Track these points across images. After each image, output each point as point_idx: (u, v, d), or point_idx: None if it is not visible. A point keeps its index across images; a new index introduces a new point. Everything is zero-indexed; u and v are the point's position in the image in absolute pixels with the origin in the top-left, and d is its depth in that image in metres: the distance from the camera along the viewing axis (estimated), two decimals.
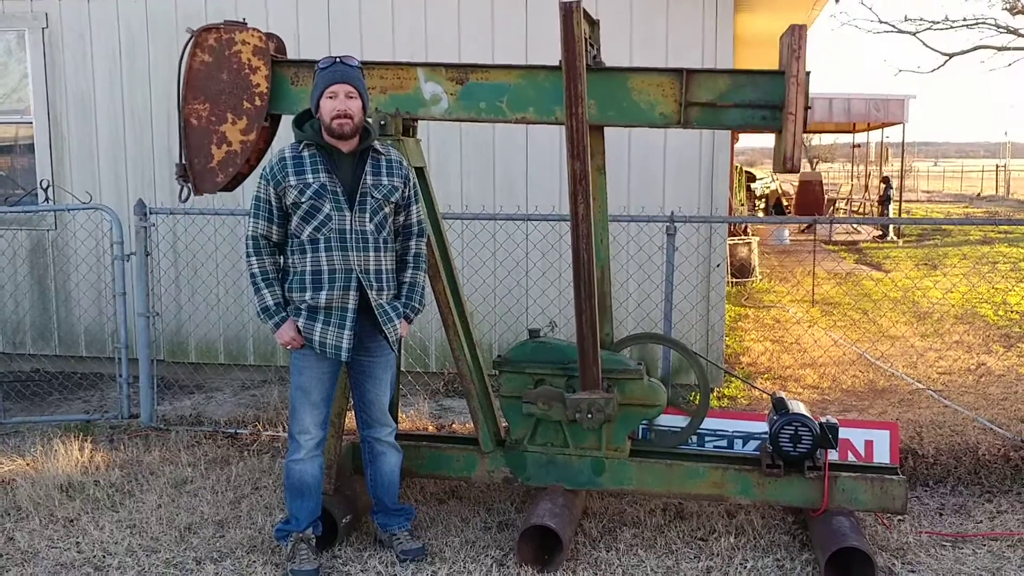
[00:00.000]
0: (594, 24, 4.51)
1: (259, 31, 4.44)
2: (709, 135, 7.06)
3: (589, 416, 4.35)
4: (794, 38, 3.98)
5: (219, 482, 5.27)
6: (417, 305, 4.20)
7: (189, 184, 4.54)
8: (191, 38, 4.42)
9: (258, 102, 4.42)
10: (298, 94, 4.47)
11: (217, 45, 4.41)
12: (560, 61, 4.04)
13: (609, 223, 6.82)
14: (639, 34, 7.03)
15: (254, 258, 3.99)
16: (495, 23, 7.25)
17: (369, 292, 3.99)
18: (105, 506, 4.96)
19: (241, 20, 4.50)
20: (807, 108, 4.07)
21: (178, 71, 4.46)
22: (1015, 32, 24.55)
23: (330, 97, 3.91)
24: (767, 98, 4.16)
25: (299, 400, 4.09)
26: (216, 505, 4.95)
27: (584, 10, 4.17)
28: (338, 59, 4.00)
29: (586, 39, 4.23)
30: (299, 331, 3.98)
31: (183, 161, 4.50)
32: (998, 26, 24.73)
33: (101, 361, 8.01)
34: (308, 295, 3.95)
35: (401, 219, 4.15)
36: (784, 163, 4.09)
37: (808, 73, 4.04)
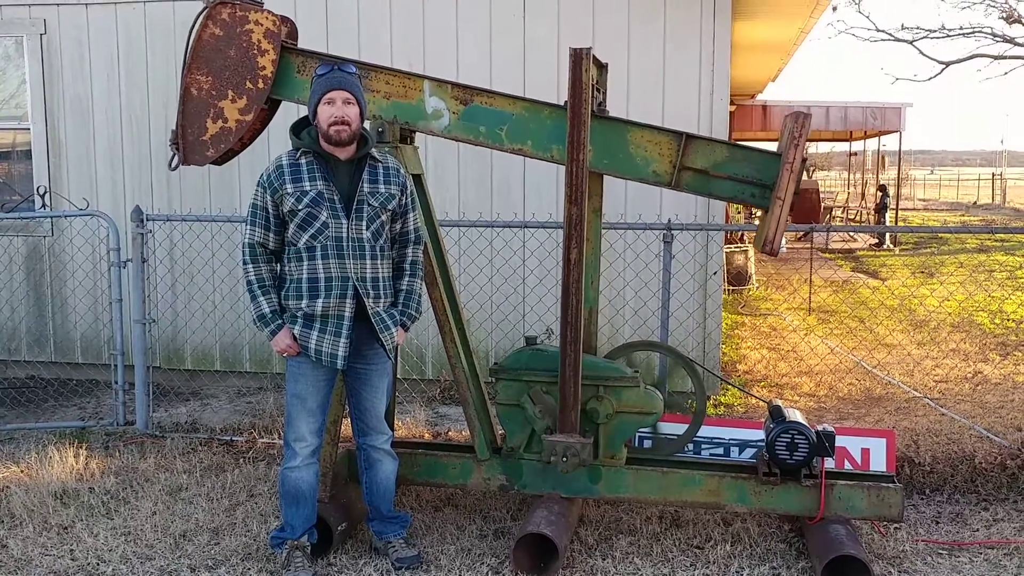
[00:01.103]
0: (602, 68, 4.52)
1: (274, 14, 4.39)
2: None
3: (564, 459, 4.32)
4: (797, 126, 4.01)
5: (214, 489, 5.26)
6: (414, 313, 4.20)
7: (180, 153, 4.51)
8: (204, 8, 4.38)
9: (261, 84, 4.39)
10: (301, 83, 4.45)
11: (230, 20, 4.37)
12: (566, 103, 4.05)
13: (606, 230, 6.88)
14: (636, 40, 7.05)
15: (251, 265, 3.99)
16: (492, 29, 7.27)
17: (366, 300, 3.98)
18: (100, 513, 4.94)
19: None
20: (796, 194, 4.09)
21: (187, 39, 4.40)
22: (1011, 41, 24.62)
23: (327, 103, 3.91)
24: (759, 176, 4.18)
25: (295, 407, 4.09)
26: (211, 512, 4.93)
27: (594, 56, 4.18)
28: (336, 66, 4.00)
29: (593, 84, 4.24)
30: (295, 339, 3.98)
31: (177, 128, 4.48)
32: (994, 35, 24.81)
33: (97, 368, 8.00)
34: (304, 303, 3.94)
35: (398, 227, 4.15)
36: (764, 245, 4.12)
37: (804, 161, 4.07)
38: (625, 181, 7.11)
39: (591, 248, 4.53)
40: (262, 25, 4.37)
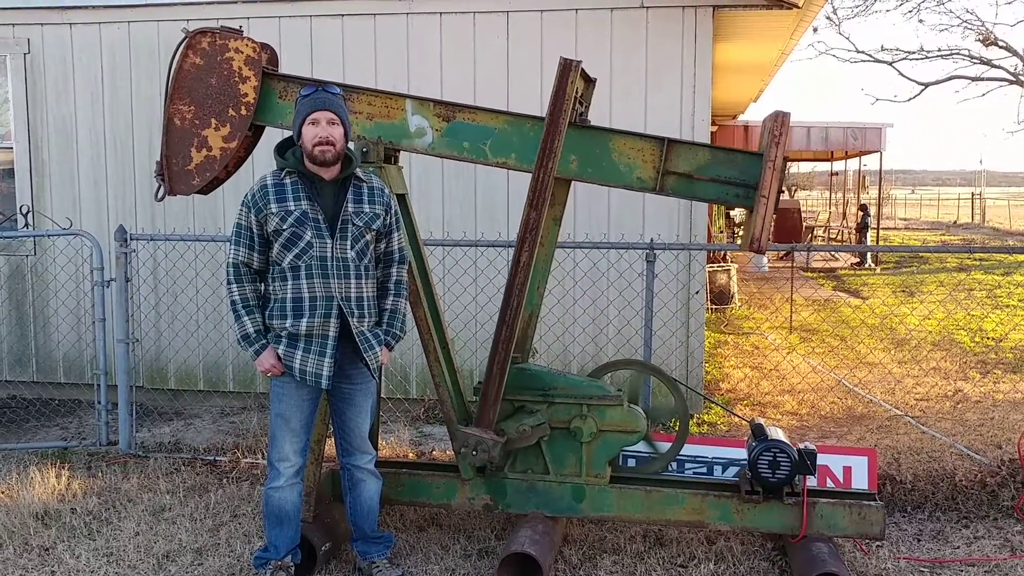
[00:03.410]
0: (590, 82, 4.56)
1: (254, 41, 4.42)
2: None
3: (474, 453, 4.34)
4: (776, 124, 4.06)
5: (198, 509, 5.23)
6: (398, 332, 4.21)
7: (165, 184, 4.51)
8: (185, 38, 4.40)
9: (244, 111, 4.42)
10: (284, 108, 4.48)
11: (210, 49, 4.40)
12: (546, 113, 4.09)
13: (589, 250, 6.93)
14: (619, 63, 7.11)
15: (235, 285, 3.99)
16: (476, 49, 7.32)
17: (350, 319, 3.99)
18: (82, 534, 4.91)
19: (238, 27, 4.50)
20: (780, 192, 4.13)
21: (168, 69, 4.42)
22: (988, 63, 24.96)
23: (312, 124, 3.93)
24: (743, 177, 4.21)
25: (279, 427, 4.08)
26: (194, 533, 4.91)
27: (583, 69, 4.23)
28: (320, 86, 4.03)
29: (577, 97, 4.29)
30: (279, 359, 3.98)
31: (162, 159, 4.48)
32: (972, 57, 25.15)
33: (79, 387, 7.96)
34: (289, 322, 3.95)
35: (383, 246, 4.17)
36: (751, 243, 4.13)
37: (785, 159, 4.10)
38: (608, 199, 7.24)
39: (544, 254, 4.58)
40: (242, 52, 4.40)
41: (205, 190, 4.55)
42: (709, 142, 7.32)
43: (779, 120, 4.06)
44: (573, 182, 4.50)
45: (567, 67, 4.13)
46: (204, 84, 4.40)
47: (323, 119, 3.93)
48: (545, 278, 4.68)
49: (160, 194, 4.54)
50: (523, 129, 4.38)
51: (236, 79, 4.40)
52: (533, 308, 4.65)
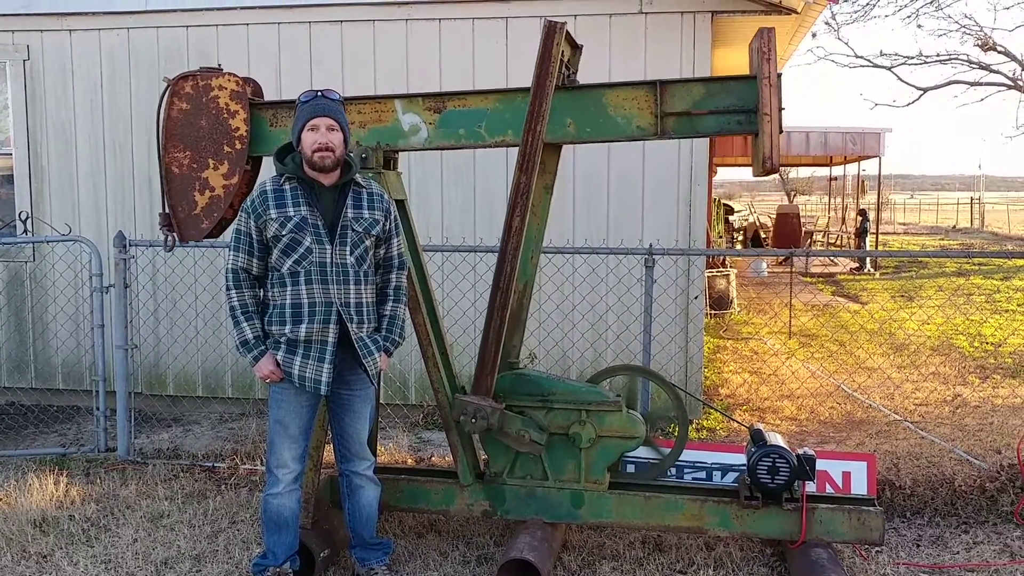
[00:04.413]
0: (576, 48, 4.56)
1: (235, 75, 4.46)
2: (687, 168, 7.14)
3: (473, 421, 4.35)
4: (763, 42, 4.04)
5: (196, 516, 5.23)
6: (397, 338, 4.21)
7: (173, 233, 4.54)
8: (167, 87, 4.44)
9: (238, 145, 4.44)
10: (277, 135, 4.49)
11: (194, 92, 4.43)
12: (532, 77, 4.09)
13: (588, 255, 6.93)
14: (618, 68, 7.12)
15: (234, 291, 3.98)
16: (475, 55, 7.33)
17: (349, 325, 3.99)
18: (80, 541, 4.90)
19: (217, 65, 4.53)
20: (781, 109, 4.10)
21: (156, 119, 4.47)
22: (987, 68, 24.99)
23: (311, 130, 3.94)
24: (741, 103, 4.19)
25: (277, 434, 4.07)
26: (193, 539, 4.90)
27: (568, 33, 4.24)
28: (319, 92, 4.03)
29: (564, 61, 4.30)
30: (278, 365, 3.97)
31: (166, 210, 4.51)
32: (970, 62, 25.18)
33: (78, 394, 7.96)
34: (288, 328, 3.94)
35: (382, 252, 4.17)
36: (763, 164, 4.07)
37: (780, 75, 4.07)
38: (607, 204, 7.24)
39: (538, 223, 4.59)
40: (226, 88, 4.43)
41: (215, 232, 4.57)
42: (708, 145, 7.34)
43: (765, 37, 4.03)
44: (563, 147, 4.52)
45: (551, 29, 4.15)
46: (195, 127, 4.43)
47: (322, 125, 3.93)
48: (539, 248, 4.69)
49: (169, 244, 4.57)
50: (514, 103, 4.39)
51: (225, 115, 4.43)
52: (528, 278, 4.65)
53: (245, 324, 3.98)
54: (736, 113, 4.20)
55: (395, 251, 4.20)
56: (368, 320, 4.08)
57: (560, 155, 4.63)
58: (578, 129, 4.37)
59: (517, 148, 4.33)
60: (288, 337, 3.95)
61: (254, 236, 3.97)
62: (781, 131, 4.11)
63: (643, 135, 4.33)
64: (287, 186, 3.99)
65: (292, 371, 3.96)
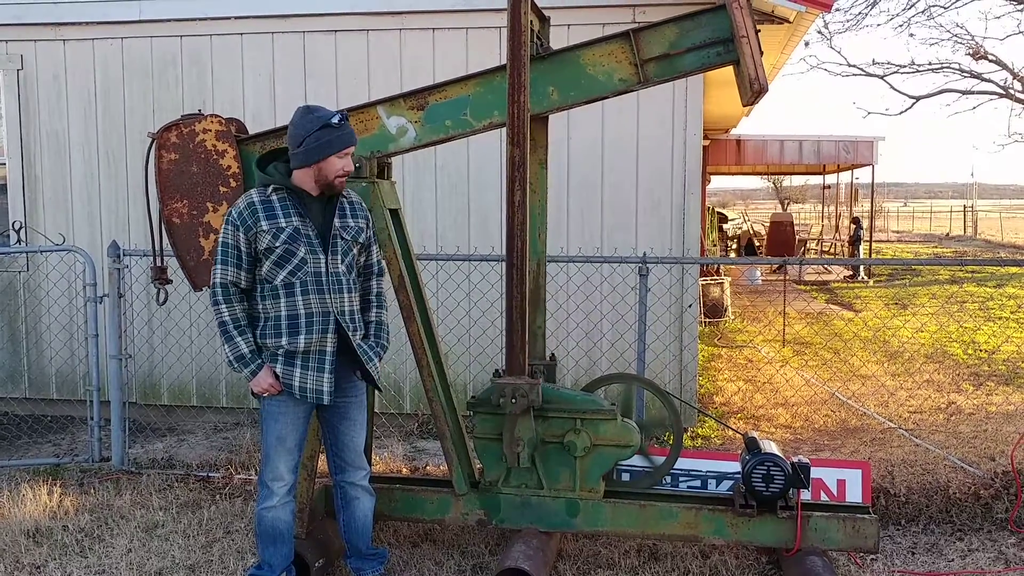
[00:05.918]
0: (544, 20, 4.59)
1: (218, 116, 4.48)
2: (681, 176, 7.15)
3: (513, 401, 4.35)
4: None
5: (191, 526, 5.21)
6: (385, 344, 4.22)
7: (165, 288, 4.62)
8: (152, 141, 4.45)
9: (233, 183, 4.45)
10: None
11: (180, 141, 4.44)
12: (506, 51, 4.11)
13: (583, 264, 6.94)
14: None
15: (224, 305, 3.92)
16: (469, 65, 7.33)
17: (348, 333, 3.99)
18: (73, 552, 4.89)
19: (196, 111, 4.55)
20: (757, 30, 4.10)
21: (145, 173, 4.48)
22: (978, 76, 25.07)
23: (342, 156, 3.94)
24: (717, 34, 4.19)
25: (273, 447, 4.03)
26: (188, 550, 4.89)
27: (534, 4, 4.26)
28: (343, 116, 4.00)
29: (535, 32, 4.34)
30: (277, 377, 3.93)
31: (162, 263, 4.53)
32: (962, 70, 25.24)
33: (72, 404, 7.93)
34: (285, 340, 3.92)
35: (363, 259, 4.17)
36: (751, 86, 4.06)
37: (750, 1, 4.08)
38: (601, 213, 7.25)
39: (537, 199, 4.61)
40: (210, 130, 4.45)
41: None
42: (702, 154, 7.35)
43: None
44: (549, 118, 4.53)
45: (516, 1, 4.16)
46: (187, 175, 4.44)
47: (350, 152, 3.97)
48: (544, 224, 4.72)
49: (162, 299, 4.60)
50: (494, 83, 4.40)
51: (215, 156, 4.45)
52: (539, 256, 4.68)
53: (239, 338, 3.92)
54: (714, 45, 4.21)
55: (375, 258, 4.23)
56: (360, 327, 4.10)
57: (548, 126, 4.65)
58: (562, 95, 4.38)
59: (504, 127, 4.33)
60: (286, 349, 3.93)
61: (243, 249, 3.91)
62: (762, 52, 4.11)
63: (627, 86, 4.34)
64: (275, 197, 3.95)
65: (293, 383, 3.94)
